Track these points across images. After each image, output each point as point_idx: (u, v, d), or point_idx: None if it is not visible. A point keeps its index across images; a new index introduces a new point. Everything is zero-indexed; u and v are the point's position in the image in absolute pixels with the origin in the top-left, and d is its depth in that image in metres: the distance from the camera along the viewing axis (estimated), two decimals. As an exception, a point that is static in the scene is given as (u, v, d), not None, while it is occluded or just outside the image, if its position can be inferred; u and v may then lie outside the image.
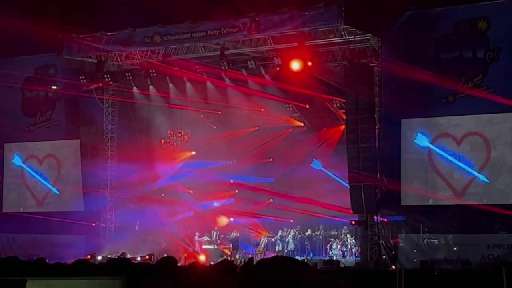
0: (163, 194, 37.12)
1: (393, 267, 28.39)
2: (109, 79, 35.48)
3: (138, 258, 32.57)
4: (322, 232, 35.10)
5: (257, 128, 37.81)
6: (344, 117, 32.29)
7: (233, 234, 35.86)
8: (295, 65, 30.78)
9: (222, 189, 37.95)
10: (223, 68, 33.14)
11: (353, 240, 33.48)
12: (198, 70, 33.99)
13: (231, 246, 35.40)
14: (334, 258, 32.60)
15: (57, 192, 37.06)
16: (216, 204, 37.74)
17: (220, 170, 37.60)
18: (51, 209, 36.76)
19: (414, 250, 29.45)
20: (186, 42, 32.91)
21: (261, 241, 35.43)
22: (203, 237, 36.08)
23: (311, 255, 34.29)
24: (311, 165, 36.04)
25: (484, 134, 28.94)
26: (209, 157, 37.19)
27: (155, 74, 34.67)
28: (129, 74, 35.39)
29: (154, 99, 35.96)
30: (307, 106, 35.42)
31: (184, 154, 38.25)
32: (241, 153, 37.34)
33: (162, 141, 37.10)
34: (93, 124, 36.63)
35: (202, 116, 37.28)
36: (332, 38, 30.79)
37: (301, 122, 37.27)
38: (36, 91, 37.93)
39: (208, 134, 37.39)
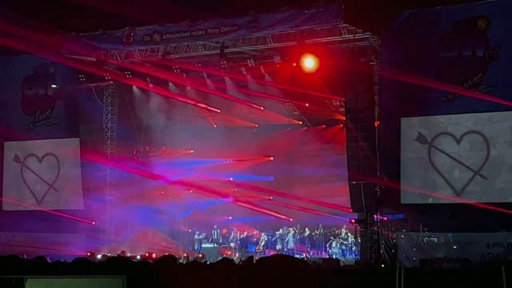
0: (163, 192, 37.13)
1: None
2: (109, 77, 35.47)
3: (138, 257, 32.60)
4: (321, 230, 35.12)
5: (257, 126, 37.83)
6: (344, 115, 32.30)
7: (243, 234, 35.89)
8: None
9: (222, 187, 37.93)
10: (222, 66, 33.13)
11: (353, 239, 33.51)
12: (197, 69, 33.95)
13: (241, 246, 35.40)
14: (334, 256, 32.63)
15: (56, 190, 37.03)
16: (216, 202, 37.72)
17: (220, 169, 37.62)
18: (51, 207, 36.73)
19: (414, 249, 29.44)
20: (186, 41, 32.88)
21: (261, 239, 35.44)
22: (202, 236, 36.12)
23: (311, 253, 34.31)
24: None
25: (483, 132, 28.93)
26: (209, 155, 37.20)
27: (154, 73, 34.63)
28: (129, 72, 35.37)
29: (153, 98, 35.94)
30: (307, 105, 35.43)
31: (182, 152, 38.28)
32: (240, 151, 37.35)
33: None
34: (92, 122, 36.58)
35: (202, 114, 37.27)
36: (331, 36, 30.79)
37: (300, 120, 37.30)
38: (36, 89, 37.91)
39: (208, 133, 37.39)
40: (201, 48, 33.31)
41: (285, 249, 34.49)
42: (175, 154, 37.95)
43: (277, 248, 34.93)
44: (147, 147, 37.23)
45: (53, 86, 37.16)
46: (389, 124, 30.37)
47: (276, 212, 36.58)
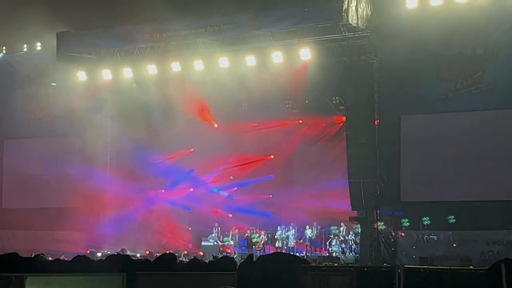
0: (163, 190, 37.14)
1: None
2: (109, 75, 35.45)
3: (138, 255, 32.60)
4: (321, 228, 35.08)
5: (256, 124, 37.76)
6: (344, 113, 32.29)
7: (243, 232, 35.93)
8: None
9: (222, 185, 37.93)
10: (222, 64, 33.09)
11: (353, 237, 33.48)
12: (197, 67, 33.94)
13: (241, 244, 35.41)
14: (334, 254, 32.61)
15: (56, 188, 37.03)
16: (216, 200, 37.66)
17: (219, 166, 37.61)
18: (51, 205, 36.76)
19: (414, 247, 29.49)
20: (186, 39, 32.86)
21: (261, 238, 35.43)
22: (204, 234, 36.16)
23: (311, 251, 34.28)
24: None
25: (483, 130, 28.93)
26: (209, 154, 37.13)
27: (154, 71, 34.64)
28: (129, 70, 35.34)
29: (153, 96, 35.92)
30: (306, 102, 35.40)
31: (183, 151, 38.28)
32: (240, 150, 37.30)
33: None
34: (93, 120, 36.58)
35: (202, 112, 37.25)
36: (331, 34, 30.78)
37: (300, 118, 37.24)
38: (36, 87, 37.90)
39: (208, 131, 37.34)
40: (201, 46, 33.28)
41: (285, 247, 34.44)
42: (175, 152, 37.93)
43: (277, 246, 34.89)
44: (146, 145, 37.21)
45: (53, 84, 37.14)
46: (389, 122, 30.39)
47: (276, 210, 36.54)
